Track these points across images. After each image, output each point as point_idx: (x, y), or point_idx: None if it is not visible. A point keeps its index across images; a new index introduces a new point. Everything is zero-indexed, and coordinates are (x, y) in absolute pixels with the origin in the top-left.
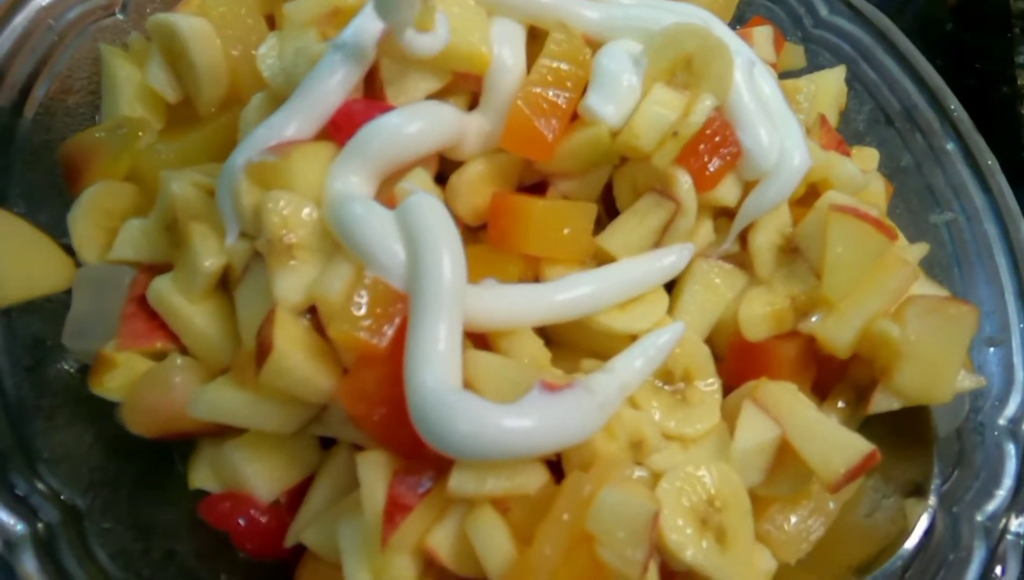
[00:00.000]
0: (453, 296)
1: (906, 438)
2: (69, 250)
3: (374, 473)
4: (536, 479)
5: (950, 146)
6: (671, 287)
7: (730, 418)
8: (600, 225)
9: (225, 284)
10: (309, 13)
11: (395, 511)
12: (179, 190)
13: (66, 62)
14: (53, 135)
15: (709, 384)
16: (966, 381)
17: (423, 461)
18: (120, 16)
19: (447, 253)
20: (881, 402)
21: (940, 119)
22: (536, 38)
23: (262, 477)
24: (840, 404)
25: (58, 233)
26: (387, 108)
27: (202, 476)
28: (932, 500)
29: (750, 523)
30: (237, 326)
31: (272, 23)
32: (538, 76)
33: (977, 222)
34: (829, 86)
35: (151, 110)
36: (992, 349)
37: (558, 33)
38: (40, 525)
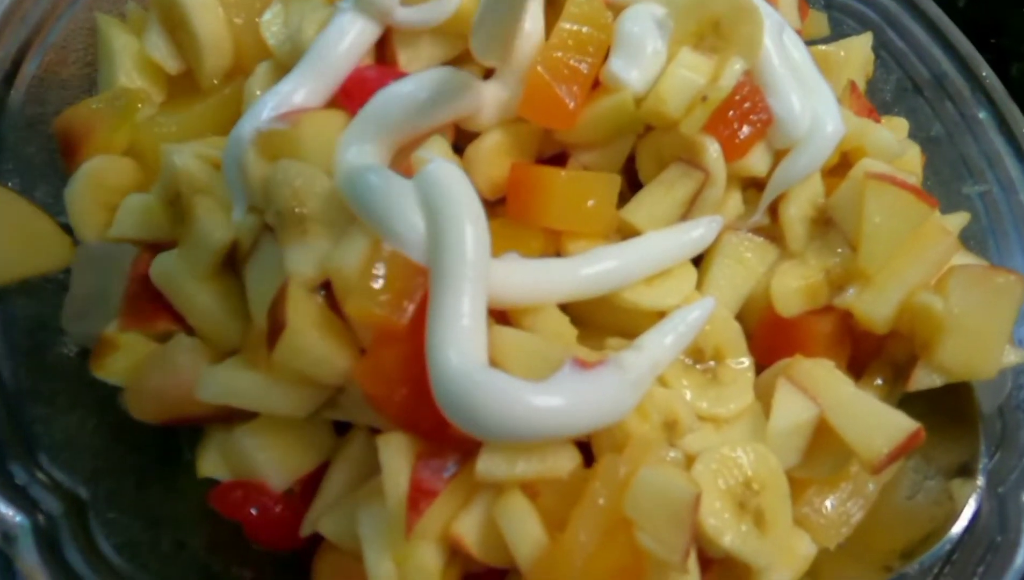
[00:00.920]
0: (477, 269)
1: (948, 417)
2: (67, 229)
3: (396, 457)
4: (568, 462)
5: (982, 115)
6: (699, 262)
7: (764, 398)
8: (622, 199)
9: (232, 262)
10: None
11: (419, 497)
12: (182, 163)
13: (60, 32)
14: (47, 108)
15: (741, 362)
16: (1011, 356)
17: (448, 444)
18: None
19: (470, 223)
20: (922, 379)
21: (972, 87)
22: (554, 3)
23: (275, 464)
24: (877, 382)
25: (55, 211)
26: (400, 75)
27: (211, 464)
28: (980, 480)
29: (789, 506)
30: (246, 305)
31: None
32: (558, 41)
33: (1012, 192)
34: (856, 54)
35: (151, 82)
36: None
37: None
38: (41, 516)
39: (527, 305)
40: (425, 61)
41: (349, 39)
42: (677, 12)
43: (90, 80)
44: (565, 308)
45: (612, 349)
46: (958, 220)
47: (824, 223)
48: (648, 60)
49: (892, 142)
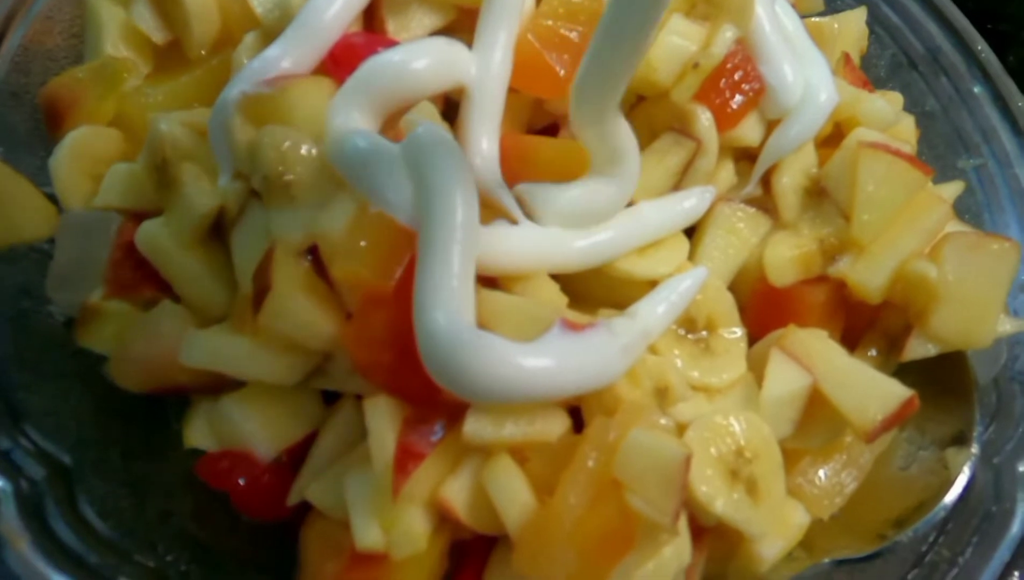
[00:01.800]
0: (465, 232)
1: (942, 387)
2: (52, 200)
3: (383, 420)
4: (558, 426)
5: (977, 89)
6: (691, 233)
7: (756, 369)
8: None
9: (219, 229)
10: None
11: (406, 459)
12: (168, 129)
13: (45, 2)
14: (32, 79)
15: (733, 332)
16: (1007, 325)
17: (435, 408)
18: None
19: (459, 186)
20: (916, 348)
21: (967, 61)
22: None
23: (262, 433)
24: (871, 353)
25: (40, 182)
26: (390, 43)
27: (198, 434)
28: (975, 449)
29: (782, 475)
30: (233, 272)
31: None
32: (548, 8)
33: (1008, 166)
34: (850, 27)
35: (138, 52)
36: None
37: None
38: (24, 482)
39: (517, 273)
40: (415, 30)
41: (337, 5)
42: None
43: (76, 51)
44: (555, 278)
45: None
46: (953, 189)
47: (817, 193)
48: None
49: (886, 111)
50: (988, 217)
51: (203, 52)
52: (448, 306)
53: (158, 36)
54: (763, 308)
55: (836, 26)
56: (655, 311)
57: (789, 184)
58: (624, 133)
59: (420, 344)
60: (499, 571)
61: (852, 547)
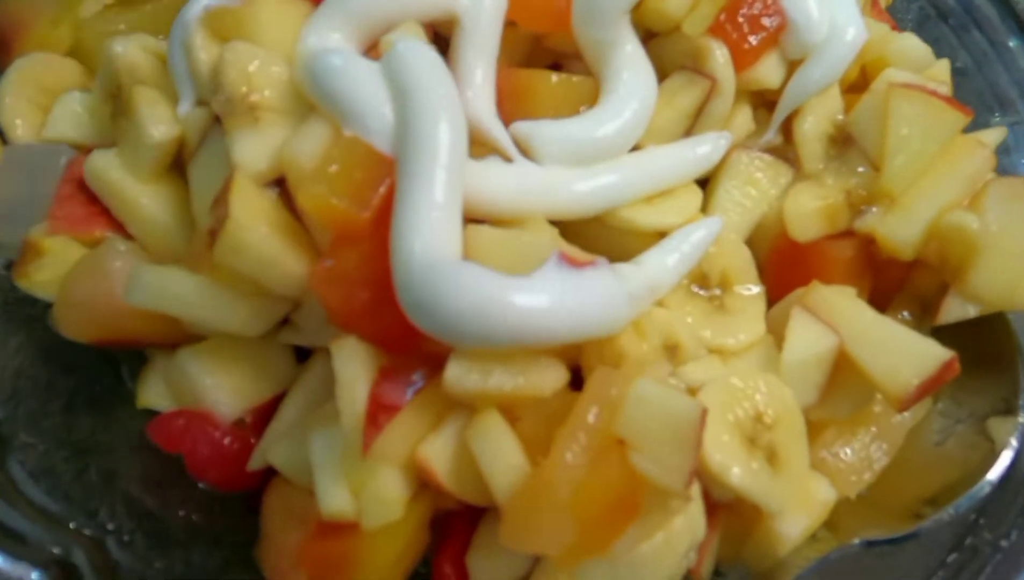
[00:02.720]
0: (452, 158)
1: (982, 354)
2: None
3: (353, 366)
4: (553, 377)
5: (1013, 42)
6: (704, 185)
7: (776, 331)
8: None
9: (179, 165)
10: None
11: (379, 411)
12: (124, 52)
13: None
14: None
15: (750, 289)
16: None
17: (415, 356)
18: None
19: (444, 109)
20: (954, 309)
21: (1001, 13)
22: None
23: (223, 390)
24: (903, 315)
25: None
26: None
27: (153, 392)
28: (1022, 417)
29: (804, 444)
30: (192, 210)
31: None
32: None
33: None
34: None
35: None
36: None
37: None
38: None
39: (509, 215)
40: None
41: None
42: None
43: None
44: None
45: None
46: (995, 135)
47: (843, 141)
48: None
49: (920, 50)
50: None
51: None
52: (428, 237)
53: None
54: (783, 265)
55: None
56: (664, 262)
57: (812, 130)
58: (633, 53)
59: (395, 278)
60: (486, 545)
61: (883, 527)
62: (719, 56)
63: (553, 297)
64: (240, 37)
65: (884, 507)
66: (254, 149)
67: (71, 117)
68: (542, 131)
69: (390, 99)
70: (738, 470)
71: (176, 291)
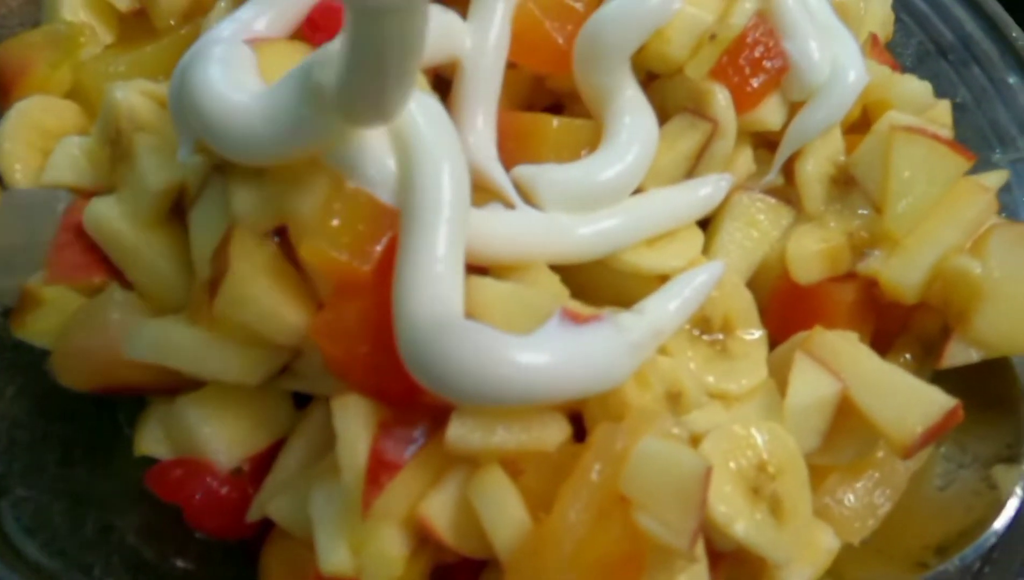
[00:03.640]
0: (455, 210)
1: (985, 399)
2: None
3: (354, 423)
4: (557, 433)
5: (1012, 79)
6: (705, 226)
7: (779, 375)
8: None
9: (180, 211)
10: None
11: (380, 470)
12: (124, 98)
13: None
14: None
15: (752, 334)
16: None
17: (416, 411)
18: None
19: (447, 160)
20: (957, 354)
21: (1000, 49)
22: None
23: (221, 439)
24: (905, 359)
25: None
26: None
27: (151, 439)
28: None
29: (808, 492)
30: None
31: None
32: None
33: None
34: (874, 13)
35: (99, 19)
36: None
37: None
38: None
39: (511, 262)
40: None
41: None
42: None
43: (33, 17)
44: (554, 271)
45: None
46: (996, 178)
47: (845, 183)
48: None
49: (921, 92)
50: None
51: (172, 21)
52: (431, 292)
53: (123, 3)
54: (785, 308)
55: (862, 5)
56: (666, 308)
57: (814, 172)
58: (634, 97)
59: (398, 334)
60: None
61: (888, 576)
62: (721, 99)
63: (556, 355)
64: None
65: (888, 555)
66: (255, 199)
67: (70, 162)
68: (544, 176)
69: (393, 150)
70: (743, 522)
71: (175, 344)
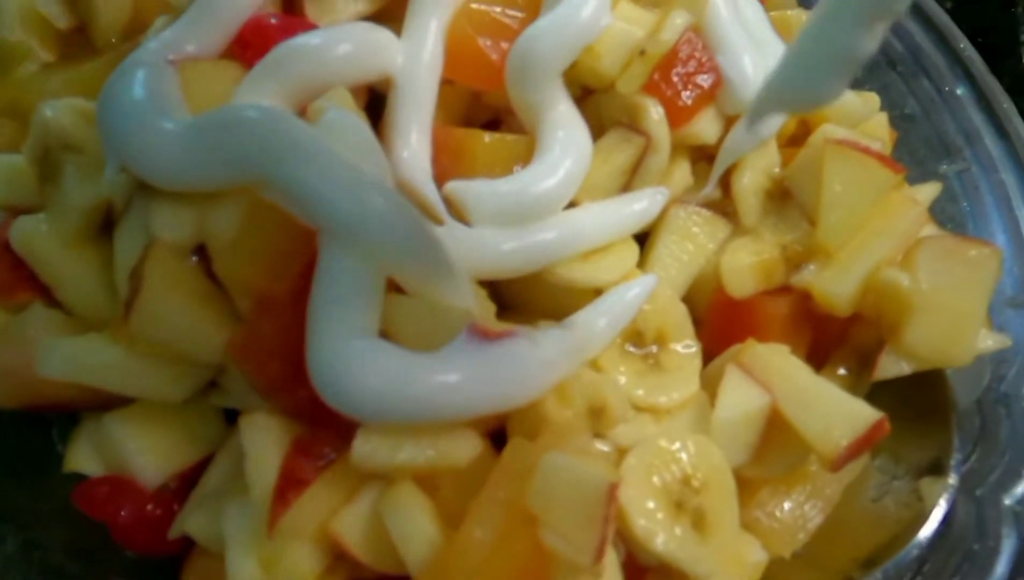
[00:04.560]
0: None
1: (919, 410)
2: None
3: (263, 439)
4: (467, 449)
5: (960, 90)
6: (643, 240)
7: (712, 388)
8: None
9: (110, 229)
10: None
11: (287, 487)
12: (53, 115)
13: None
14: None
15: (687, 346)
16: (988, 340)
17: (329, 429)
18: None
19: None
20: (889, 366)
21: (949, 61)
22: None
23: (147, 455)
24: (841, 372)
25: None
26: (309, 26)
27: (81, 456)
28: (952, 478)
29: (734, 507)
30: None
31: None
32: None
33: (993, 171)
34: None
35: (38, 38)
36: (1015, 310)
37: None
38: None
39: None
40: (339, 15)
41: None
42: None
43: None
44: (487, 284)
45: None
46: (929, 191)
47: (781, 196)
48: None
49: (855, 105)
50: (972, 225)
51: (112, 39)
52: (343, 312)
53: (62, 21)
54: (721, 322)
55: (804, 18)
56: (595, 323)
57: (749, 185)
58: (566, 112)
59: (308, 352)
60: None
61: None
62: (654, 114)
63: (464, 372)
64: None
65: (817, 567)
66: (174, 217)
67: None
68: (475, 190)
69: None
70: (663, 537)
71: (93, 362)
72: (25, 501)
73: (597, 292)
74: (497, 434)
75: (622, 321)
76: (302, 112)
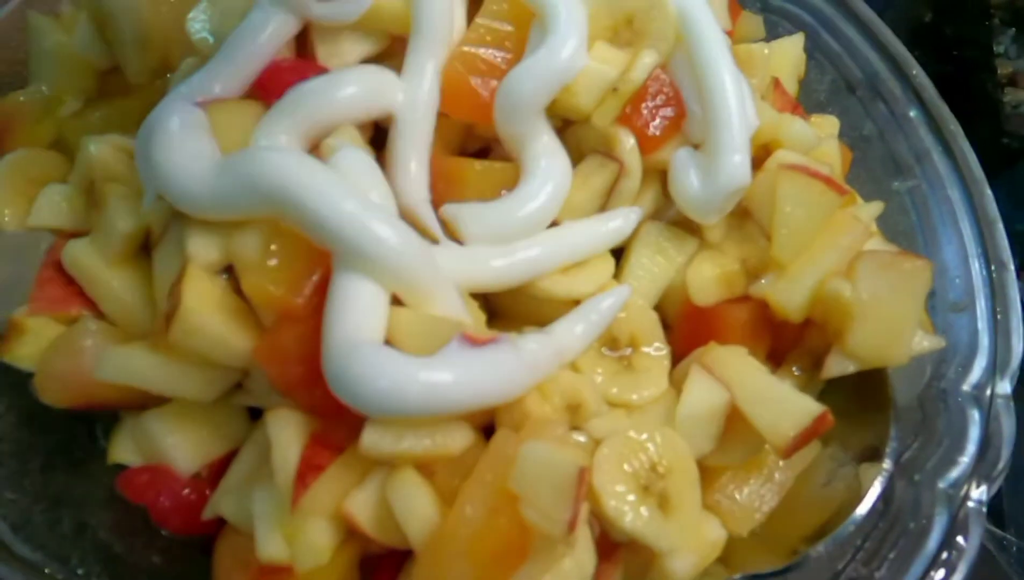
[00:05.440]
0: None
1: (864, 404)
2: None
3: (285, 431)
4: (460, 439)
5: (912, 113)
6: (619, 255)
7: (679, 387)
8: None
9: (148, 250)
10: None
11: (307, 472)
12: (97, 151)
13: None
14: None
15: (657, 349)
16: (924, 342)
17: (342, 423)
18: None
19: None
20: (834, 366)
21: (902, 86)
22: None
23: (182, 448)
24: (795, 371)
25: None
26: (319, 69)
27: (123, 449)
28: (887, 463)
29: (696, 490)
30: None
31: None
32: (475, 36)
33: (940, 188)
34: (787, 53)
35: (80, 78)
36: (957, 315)
37: None
38: None
39: None
40: (346, 56)
41: (267, 32)
42: (594, 7)
43: (22, 77)
44: (479, 296)
45: None
46: (872, 209)
47: (742, 214)
48: None
49: (807, 134)
50: (921, 238)
51: (143, 78)
52: (353, 322)
53: (100, 62)
54: (688, 327)
55: (766, 51)
56: (573, 330)
57: None
58: (549, 142)
59: (323, 357)
60: None
61: (766, 562)
62: (626, 143)
63: (455, 373)
64: None
65: (770, 544)
66: (206, 241)
67: (52, 207)
68: (467, 213)
69: None
70: (631, 516)
71: (138, 367)
72: (76, 488)
73: (575, 303)
74: (488, 427)
75: (599, 327)
76: (314, 147)
